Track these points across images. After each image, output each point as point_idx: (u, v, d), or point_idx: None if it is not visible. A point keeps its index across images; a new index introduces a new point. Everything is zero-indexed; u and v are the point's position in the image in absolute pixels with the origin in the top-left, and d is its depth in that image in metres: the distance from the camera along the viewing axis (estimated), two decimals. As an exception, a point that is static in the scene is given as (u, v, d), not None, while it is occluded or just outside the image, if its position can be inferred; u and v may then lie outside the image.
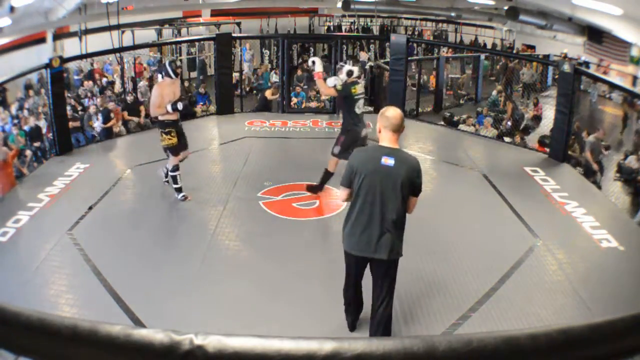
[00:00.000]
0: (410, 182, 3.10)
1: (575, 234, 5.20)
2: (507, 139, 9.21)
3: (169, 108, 5.41)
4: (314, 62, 5.58)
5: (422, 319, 3.91)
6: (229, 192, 6.00)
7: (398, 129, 3.15)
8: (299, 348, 0.96)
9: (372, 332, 3.45)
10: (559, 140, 7.19)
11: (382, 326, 3.39)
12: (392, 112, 3.17)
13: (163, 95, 5.45)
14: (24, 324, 1.03)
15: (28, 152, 8.45)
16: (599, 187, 7.07)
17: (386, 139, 3.16)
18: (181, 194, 5.77)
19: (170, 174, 5.76)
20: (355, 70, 5.51)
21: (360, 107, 5.39)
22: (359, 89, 5.38)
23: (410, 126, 8.77)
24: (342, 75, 5.42)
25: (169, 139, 5.59)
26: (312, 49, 16.74)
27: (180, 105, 5.44)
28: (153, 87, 5.72)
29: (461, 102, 13.43)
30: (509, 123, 10.42)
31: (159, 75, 5.75)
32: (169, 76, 5.54)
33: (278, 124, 8.45)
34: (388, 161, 3.08)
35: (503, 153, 7.74)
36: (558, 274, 4.47)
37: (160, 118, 5.56)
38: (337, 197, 3.30)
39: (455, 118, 11.21)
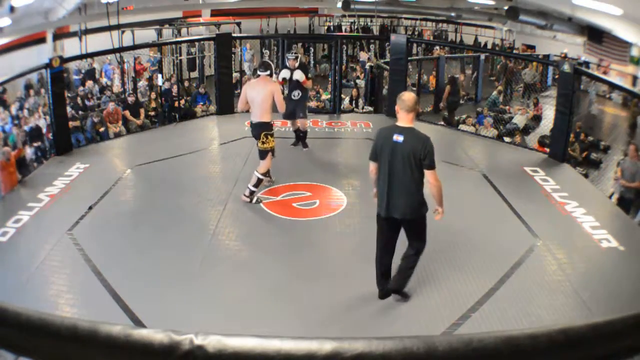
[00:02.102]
0: (415, 156, 3.63)
1: (575, 234, 5.19)
2: (507, 139, 9.21)
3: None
4: (290, 77, 6.93)
5: (422, 319, 3.90)
6: (229, 192, 6.00)
7: (411, 110, 3.70)
8: (299, 348, 0.96)
9: (395, 273, 3.99)
10: (559, 140, 7.19)
11: (403, 271, 3.95)
12: (406, 96, 3.78)
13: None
14: (24, 324, 1.03)
15: (28, 152, 8.44)
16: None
17: (401, 119, 3.73)
18: (256, 198, 5.68)
19: (257, 176, 5.62)
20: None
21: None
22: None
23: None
24: (297, 63, 6.95)
25: (272, 141, 5.62)
26: (312, 49, 16.75)
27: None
28: (271, 88, 5.53)
29: (461, 102, 13.42)
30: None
31: (274, 75, 5.93)
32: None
33: (278, 124, 8.44)
34: (398, 138, 3.66)
35: (503, 153, 7.74)
36: (558, 274, 4.47)
37: (266, 120, 5.51)
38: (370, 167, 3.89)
39: (456, 118, 11.21)
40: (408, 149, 3.63)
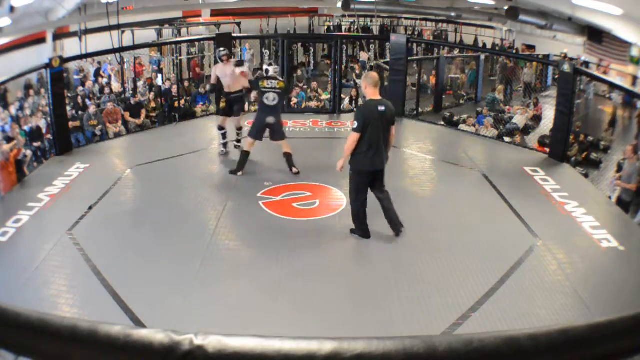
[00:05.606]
0: (390, 119, 4.73)
1: (575, 234, 5.19)
2: (507, 139, 9.21)
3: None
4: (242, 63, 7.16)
5: (422, 319, 3.90)
6: (229, 192, 6.00)
7: (378, 84, 4.75)
8: (299, 348, 0.96)
9: (388, 208, 4.91)
10: (559, 140, 7.19)
11: (390, 200, 4.92)
12: (371, 74, 4.89)
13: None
14: (24, 324, 1.03)
15: (28, 152, 8.44)
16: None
17: (373, 94, 4.70)
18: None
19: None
20: (271, 69, 6.40)
21: (269, 100, 6.26)
22: (267, 83, 6.28)
23: (410, 126, 8.83)
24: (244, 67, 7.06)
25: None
26: (311, 49, 16.76)
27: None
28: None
29: (461, 102, 13.43)
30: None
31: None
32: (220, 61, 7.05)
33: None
34: (381, 108, 4.64)
35: (503, 153, 7.74)
36: (558, 274, 4.47)
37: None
38: (351, 138, 4.69)
39: (455, 118, 11.21)
40: (388, 114, 4.69)
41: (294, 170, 6.42)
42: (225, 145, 7.27)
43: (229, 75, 6.96)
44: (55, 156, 7.15)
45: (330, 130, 8.31)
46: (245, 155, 6.44)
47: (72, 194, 5.91)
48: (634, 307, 1.18)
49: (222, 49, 7.37)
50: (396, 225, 4.92)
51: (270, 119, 6.29)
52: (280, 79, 6.43)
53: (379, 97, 4.71)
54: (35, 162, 8.37)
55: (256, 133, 6.33)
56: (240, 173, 6.40)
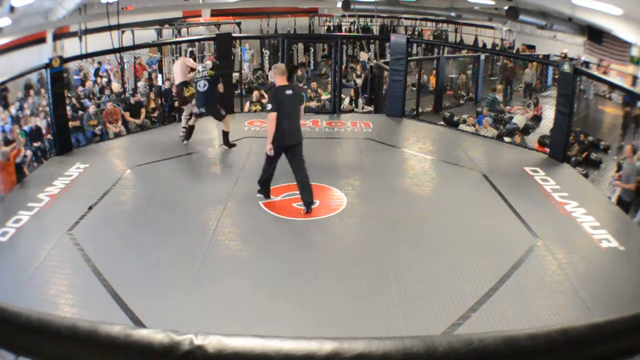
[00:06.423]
0: (299, 101, 5.62)
1: (575, 234, 5.19)
2: (507, 139, 9.21)
3: None
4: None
5: (422, 319, 3.90)
6: (229, 192, 6.00)
7: (285, 73, 5.55)
8: (299, 348, 0.96)
9: (306, 192, 5.46)
10: (559, 140, 7.19)
11: (308, 183, 5.46)
12: (279, 65, 5.67)
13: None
14: (24, 324, 1.03)
15: (28, 152, 8.44)
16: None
17: (281, 81, 5.47)
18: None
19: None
20: (200, 67, 7.21)
21: (200, 86, 7.00)
22: (200, 74, 7.07)
23: (410, 126, 8.84)
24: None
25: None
26: (311, 49, 16.76)
27: None
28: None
29: (461, 102, 13.43)
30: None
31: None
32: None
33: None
34: (288, 92, 5.41)
35: (503, 153, 7.74)
36: (558, 274, 4.47)
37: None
38: (270, 118, 5.33)
39: (455, 118, 11.21)
40: (296, 97, 5.54)
41: (226, 147, 7.24)
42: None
43: (179, 70, 7.82)
44: (55, 156, 7.14)
45: (330, 130, 8.30)
46: (190, 127, 7.52)
47: (72, 194, 5.91)
48: (634, 307, 1.18)
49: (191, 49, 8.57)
50: (306, 201, 5.44)
51: (202, 110, 7.11)
52: (211, 70, 7.14)
53: (286, 83, 5.51)
54: (35, 162, 8.37)
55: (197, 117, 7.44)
56: (185, 142, 7.48)
